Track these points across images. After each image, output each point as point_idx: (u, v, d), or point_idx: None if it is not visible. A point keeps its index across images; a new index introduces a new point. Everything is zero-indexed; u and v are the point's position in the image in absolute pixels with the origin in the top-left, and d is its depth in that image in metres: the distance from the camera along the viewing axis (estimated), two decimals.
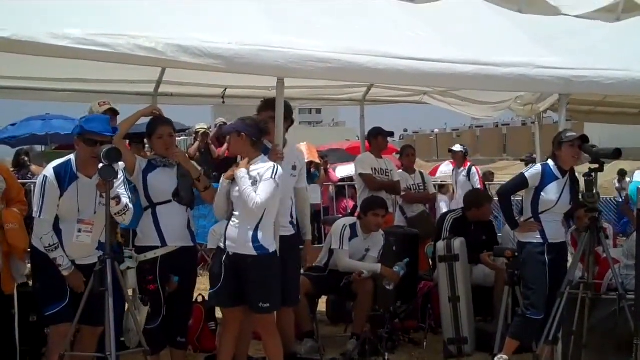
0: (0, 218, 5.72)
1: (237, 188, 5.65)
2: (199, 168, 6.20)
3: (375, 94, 9.62)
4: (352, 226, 7.49)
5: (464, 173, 13.20)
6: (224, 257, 5.69)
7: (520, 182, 6.60)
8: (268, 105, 6.28)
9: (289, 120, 6.41)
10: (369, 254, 7.51)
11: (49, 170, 5.38)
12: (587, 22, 7.54)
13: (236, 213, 5.69)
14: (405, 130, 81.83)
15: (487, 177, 16.63)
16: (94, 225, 5.37)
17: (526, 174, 6.57)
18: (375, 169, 9.14)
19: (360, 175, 9.16)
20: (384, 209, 7.53)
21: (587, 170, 6.25)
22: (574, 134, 6.41)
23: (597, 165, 6.22)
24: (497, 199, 7.78)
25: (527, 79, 6.34)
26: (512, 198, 7.14)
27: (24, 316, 6.41)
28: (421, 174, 10.06)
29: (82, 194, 5.34)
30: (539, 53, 6.59)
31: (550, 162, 6.47)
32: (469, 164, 13.50)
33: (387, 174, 9.24)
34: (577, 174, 6.57)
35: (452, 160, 14.14)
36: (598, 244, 6.30)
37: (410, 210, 9.49)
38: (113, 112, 6.41)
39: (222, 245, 5.74)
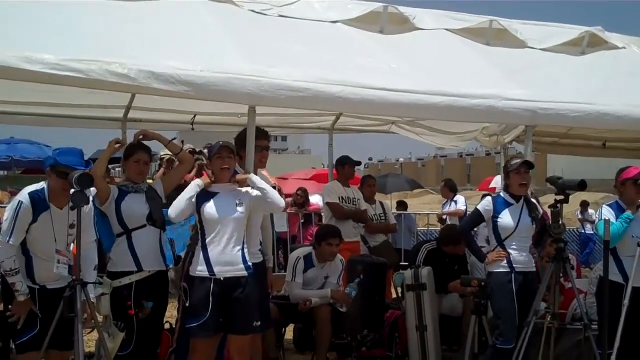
0: None
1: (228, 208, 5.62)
2: None
3: (343, 122, 9.69)
4: (307, 257, 7.46)
5: None
6: (211, 284, 5.55)
7: (475, 216, 6.72)
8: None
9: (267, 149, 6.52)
10: (328, 280, 7.50)
11: (23, 195, 5.30)
12: (553, 55, 7.73)
13: (214, 236, 5.59)
14: (370, 159, 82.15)
15: None
16: (69, 259, 5.29)
17: (479, 207, 6.68)
18: (342, 197, 9.16)
19: (327, 204, 9.17)
20: (337, 238, 7.50)
21: (552, 202, 6.35)
22: (518, 161, 6.54)
23: (562, 197, 6.31)
24: None
25: (494, 110, 6.44)
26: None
27: None
28: (381, 204, 10.09)
29: (57, 224, 5.29)
30: (506, 85, 6.72)
31: (502, 192, 6.63)
32: None
33: (354, 202, 9.27)
34: (532, 198, 6.66)
35: None
36: (564, 274, 6.37)
37: (373, 240, 9.50)
38: None
39: (205, 273, 5.55)
